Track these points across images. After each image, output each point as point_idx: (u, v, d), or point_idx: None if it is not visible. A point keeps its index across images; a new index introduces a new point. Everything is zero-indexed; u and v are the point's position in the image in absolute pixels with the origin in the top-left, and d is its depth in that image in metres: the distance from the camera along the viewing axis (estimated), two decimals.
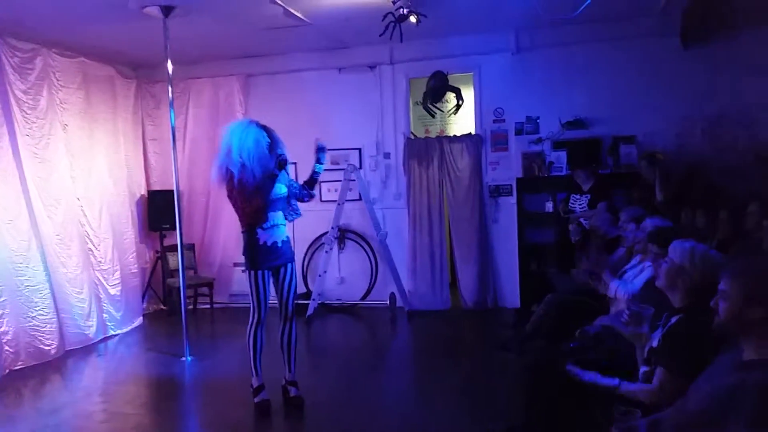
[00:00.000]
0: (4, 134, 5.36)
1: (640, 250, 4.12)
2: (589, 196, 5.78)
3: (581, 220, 5.77)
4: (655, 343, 2.57)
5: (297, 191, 4.31)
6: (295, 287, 4.25)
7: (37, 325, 5.46)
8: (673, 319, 2.54)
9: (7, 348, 5.18)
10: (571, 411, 2.77)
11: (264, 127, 4.06)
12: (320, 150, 4.33)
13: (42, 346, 5.48)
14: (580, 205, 5.84)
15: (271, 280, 4.13)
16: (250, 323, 4.12)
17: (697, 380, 2.10)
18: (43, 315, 5.51)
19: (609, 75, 6.43)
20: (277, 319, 4.28)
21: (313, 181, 4.34)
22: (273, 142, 4.05)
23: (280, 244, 4.08)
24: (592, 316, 3.80)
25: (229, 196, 4.03)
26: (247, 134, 3.93)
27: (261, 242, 4.02)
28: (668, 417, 2.12)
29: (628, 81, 6.38)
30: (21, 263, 5.39)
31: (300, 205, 4.36)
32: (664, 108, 6.26)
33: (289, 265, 4.17)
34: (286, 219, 4.19)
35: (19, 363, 5.29)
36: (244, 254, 4.09)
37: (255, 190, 3.90)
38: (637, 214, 4.48)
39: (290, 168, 4.35)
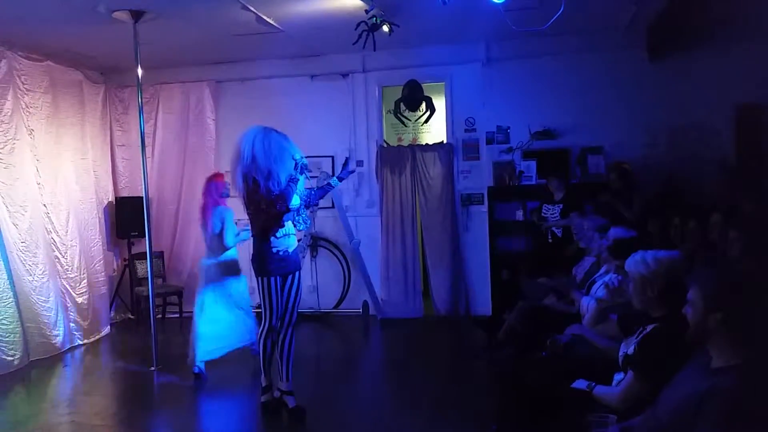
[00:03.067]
0: None
1: (606, 260, 4.20)
2: (561, 205, 5.87)
3: (554, 228, 5.87)
4: (630, 350, 2.63)
5: (306, 198, 4.31)
6: (300, 295, 4.27)
7: (0, 335, 5.31)
8: (649, 327, 2.60)
9: None
10: (545, 419, 2.80)
11: (280, 133, 4.12)
12: (348, 170, 4.47)
13: (5, 357, 5.31)
14: (552, 214, 5.93)
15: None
16: (260, 330, 4.16)
17: (667, 387, 2.15)
18: (6, 324, 5.35)
19: (577, 86, 6.55)
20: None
21: (324, 191, 4.51)
22: (290, 148, 4.11)
23: (291, 252, 4.13)
24: (563, 324, 3.85)
25: (249, 203, 4.03)
26: (270, 141, 3.98)
27: (274, 250, 4.04)
28: (640, 423, 2.17)
29: (595, 92, 6.51)
30: None
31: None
32: (631, 119, 6.40)
33: (297, 273, 4.21)
34: (295, 227, 4.22)
35: None
36: (253, 261, 4.13)
37: (279, 195, 3.95)
38: (601, 224, 4.56)
39: None
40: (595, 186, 6.09)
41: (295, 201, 4.11)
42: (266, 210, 3.96)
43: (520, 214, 6.59)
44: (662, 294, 2.58)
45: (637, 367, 2.53)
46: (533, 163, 6.55)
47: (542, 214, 6.01)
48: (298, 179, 4.07)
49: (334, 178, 4.52)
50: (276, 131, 4.09)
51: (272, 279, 4.06)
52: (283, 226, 4.06)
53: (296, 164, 4.05)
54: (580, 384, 2.78)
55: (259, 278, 4.09)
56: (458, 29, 6.07)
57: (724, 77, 6.03)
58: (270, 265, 4.05)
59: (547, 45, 6.43)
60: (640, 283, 2.64)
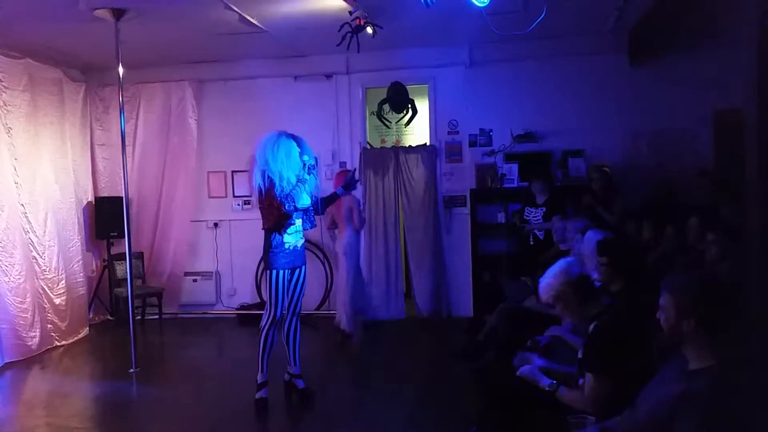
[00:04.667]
0: None
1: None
2: (543, 208, 5.90)
3: (536, 231, 5.89)
4: (580, 354, 2.69)
5: (314, 203, 4.54)
6: (305, 287, 4.55)
7: None
8: (591, 327, 2.70)
9: None
10: (525, 419, 2.82)
11: (292, 136, 4.37)
12: (353, 183, 4.93)
13: None
14: (534, 217, 5.95)
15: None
16: (264, 322, 4.38)
17: (644, 388, 2.18)
18: None
19: (559, 90, 6.61)
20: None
21: (330, 199, 4.76)
22: (302, 150, 4.37)
23: (299, 248, 4.44)
24: (543, 325, 3.87)
25: (264, 198, 4.28)
26: (279, 145, 4.25)
27: (285, 245, 4.33)
28: (618, 424, 2.19)
29: (577, 96, 6.57)
30: None
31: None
32: (612, 122, 6.48)
33: (303, 267, 4.51)
34: (303, 227, 4.50)
35: None
36: (264, 255, 4.40)
37: (288, 195, 4.22)
38: (582, 226, 4.60)
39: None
40: (577, 189, 6.14)
41: (305, 200, 4.34)
42: (278, 207, 4.23)
43: (501, 217, 6.63)
44: (578, 299, 2.76)
45: (590, 367, 2.60)
46: (515, 166, 6.59)
47: (524, 217, 6.03)
48: (306, 179, 4.33)
49: (340, 187, 4.87)
50: (288, 135, 4.35)
51: (281, 272, 4.33)
52: (294, 223, 4.35)
53: (304, 165, 4.32)
54: (543, 381, 2.81)
55: (268, 271, 4.35)
56: (442, 32, 6.10)
57: (704, 81, 6.11)
58: (281, 259, 4.32)
59: (530, 48, 6.48)
60: (557, 301, 2.83)
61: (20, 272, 5.73)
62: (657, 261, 4.47)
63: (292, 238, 4.36)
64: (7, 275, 5.59)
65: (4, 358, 5.50)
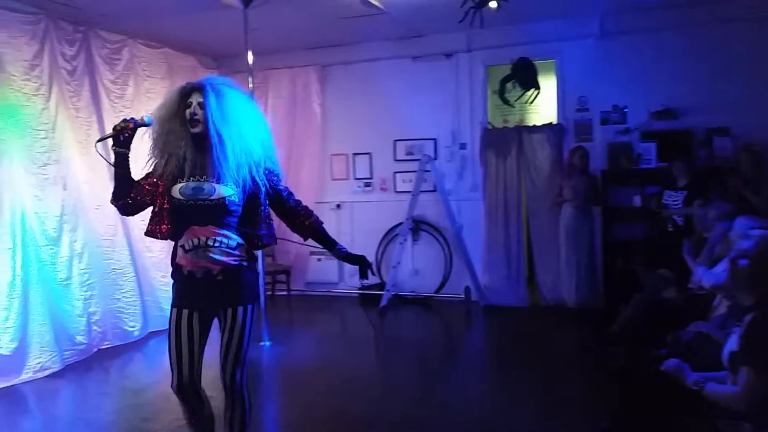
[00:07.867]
0: (93, 122, 5.61)
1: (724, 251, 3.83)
2: (685, 192, 5.41)
3: (675, 217, 5.44)
4: (735, 346, 2.40)
5: (282, 198, 2.68)
6: (241, 347, 2.61)
7: (122, 307, 5.71)
8: (747, 317, 2.41)
9: (95, 327, 5.42)
10: (665, 421, 2.59)
11: (191, 88, 2.55)
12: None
13: (126, 327, 5.71)
14: (674, 201, 5.47)
15: (199, 327, 2.59)
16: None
17: None
18: (128, 297, 5.75)
19: (701, 61, 6.04)
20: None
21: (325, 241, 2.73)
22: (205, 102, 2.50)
23: (219, 278, 2.52)
24: (686, 320, 3.56)
25: None
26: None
27: (185, 271, 2.55)
28: None
29: (722, 68, 5.97)
30: (108, 247, 5.63)
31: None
32: (763, 97, 5.81)
33: (237, 309, 2.57)
34: (243, 241, 2.57)
35: (106, 342, 5.53)
36: None
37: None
38: (726, 211, 4.17)
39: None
40: (722, 171, 5.58)
41: (224, 192, 2.49)
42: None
43: (637, 200, 6.16)
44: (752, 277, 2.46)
45: (752, 360, 2.33)
46: (653, 145, 6.11)
47: (663, 201, 5.57)
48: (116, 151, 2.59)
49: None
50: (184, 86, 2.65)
51: (181, 312, 2.55)
52: (180, 235, 2.54)
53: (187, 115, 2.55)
54: (690, 378, 2.55)
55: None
56: (570, 2, 5.76)
57: None
58: (176, 290, 2.60)
59: (668, 17, 5.99)
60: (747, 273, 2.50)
61: (162, 248, 6.14)
62: None
63: (192, 257, 2.50)
64: (150, 251, 6.03)
65: (149, 328, 5.96)
